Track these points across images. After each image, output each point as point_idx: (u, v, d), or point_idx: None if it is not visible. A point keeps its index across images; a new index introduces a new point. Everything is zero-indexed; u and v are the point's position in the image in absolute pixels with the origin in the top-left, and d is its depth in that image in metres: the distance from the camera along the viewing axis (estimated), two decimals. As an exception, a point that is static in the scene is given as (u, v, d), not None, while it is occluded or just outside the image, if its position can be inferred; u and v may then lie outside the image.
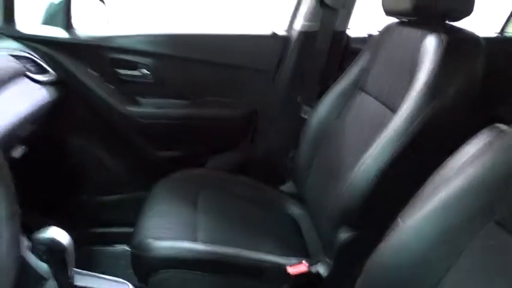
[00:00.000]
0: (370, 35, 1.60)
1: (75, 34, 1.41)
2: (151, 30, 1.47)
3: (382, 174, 0.92)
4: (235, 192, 1.31)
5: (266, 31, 1.54)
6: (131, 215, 1.18)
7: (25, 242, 0.94)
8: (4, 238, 0.59)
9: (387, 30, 1.21)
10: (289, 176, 1.46)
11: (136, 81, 1.47)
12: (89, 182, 1.53)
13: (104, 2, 1.60)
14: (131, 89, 1.48)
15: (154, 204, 1.18)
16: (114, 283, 0.96)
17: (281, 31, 1.54)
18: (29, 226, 0.89)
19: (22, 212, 0.70)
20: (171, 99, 1.52)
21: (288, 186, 1.46)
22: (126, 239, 1.29)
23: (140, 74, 1.46)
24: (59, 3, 1.45)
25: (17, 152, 1.18)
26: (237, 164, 1.58)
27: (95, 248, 1.51)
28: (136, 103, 1.51)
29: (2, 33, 1.30)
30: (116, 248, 1.52)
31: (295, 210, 1.31)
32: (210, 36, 1.50)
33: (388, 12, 1.16)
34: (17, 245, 0.65)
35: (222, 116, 1.55)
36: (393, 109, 1.00)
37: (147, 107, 1.50)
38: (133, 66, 1.45)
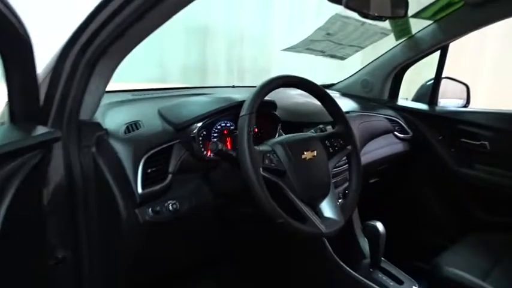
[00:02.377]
0: None
1: (434, 108, 1.89)
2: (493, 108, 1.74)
3: None
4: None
5: None
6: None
7: (360, 226, 1.49)
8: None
9: None
10: None
11: (474, 150, 1.76)
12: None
13: (466, 86, 2.01)
14: (468, 156, 1.79)
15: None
16: (406, 278, 1.33)
17: None
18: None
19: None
20: (504, 170, 1.70)
21: None
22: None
23: (479, 143, 1.74)
24: (428, 85, 1.98)
25: (372, 179, 1.78)
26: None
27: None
28: (471, 167, 1.79)
29: (385, 104, 1.97)
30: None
31: None
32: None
33: None
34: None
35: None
36: None
37: (480, 173, 1.76)
38: (475, 137, 1.76)
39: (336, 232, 1.01)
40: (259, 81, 1.02)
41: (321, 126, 1.25)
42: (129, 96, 1.28)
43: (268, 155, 0.97)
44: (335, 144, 1.11)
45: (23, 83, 0.86)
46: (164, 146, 1.05)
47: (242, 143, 0.91)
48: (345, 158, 1.17)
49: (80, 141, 1.00)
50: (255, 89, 0.98)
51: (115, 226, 0.99)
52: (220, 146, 0.95)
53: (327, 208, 1.04)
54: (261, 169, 0.92)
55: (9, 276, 0.86)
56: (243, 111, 0.95)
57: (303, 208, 0.97)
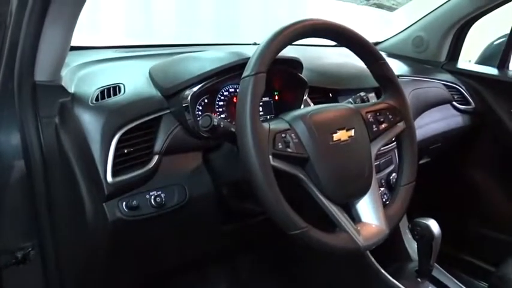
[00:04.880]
0: None
1: (505, 73, 1.51)
2: None
3: None
4: None
5: None
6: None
7: (406, 223, 1.19)
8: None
9: None
10: None
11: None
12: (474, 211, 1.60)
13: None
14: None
15: None
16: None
17: None
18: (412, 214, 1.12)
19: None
20: None
21: None
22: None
23: None
24: (497, 44, 1.59)
25: (422, 160, 1.45)
26: None
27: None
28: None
29: (443, 68, 1.60)
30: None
31: None
32: None
33: None
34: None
35: None
36: None
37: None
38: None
39: (377, 244, 0.72)
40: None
41: (362, 94, 0.93)
42: (112, 54, 1.01)
43: (283, 135, 0.67)
44: (381, 119, 0.79)
45: None
46: (148, 117, 0.79)
47: (242, 117, 0.62)
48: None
49: (37, 110, 0.76)
50: (265, 38, 0.68)
51: (81, 224, 0.75)
52: (215, 120, 0.67)
53: (366, 210, 0.74)
54: (270, 157, 0.63)
55: None
56: (247, 71, 0.65)
57: (332, 211, 0.69)
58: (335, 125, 0.72)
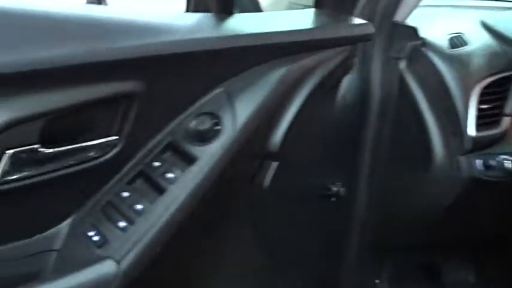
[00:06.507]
0: None
1: None
2: None
3: None
4: None
5: None
6: None
7: None
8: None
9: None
10: None
11: None
12: None
13: None
14: None
15: None
16: None
17: None
18: None
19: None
20: None
21: None
22: None
23: None
24: None
25: None
26: None
27: None
28: None
29: None
30: None
31: None
32: None
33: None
34: None
35: None
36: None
37: None
38: None
39: None
40: None
41: None
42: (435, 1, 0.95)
43: None
44: None
45: None
46: (503, 74, 0.71)
47: None
48: None
49: (388, 50, 0.74)
50: None
51: (418, 172, 0.73)
52: None
53: None
54: None
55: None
56: None
57: None
58: None
